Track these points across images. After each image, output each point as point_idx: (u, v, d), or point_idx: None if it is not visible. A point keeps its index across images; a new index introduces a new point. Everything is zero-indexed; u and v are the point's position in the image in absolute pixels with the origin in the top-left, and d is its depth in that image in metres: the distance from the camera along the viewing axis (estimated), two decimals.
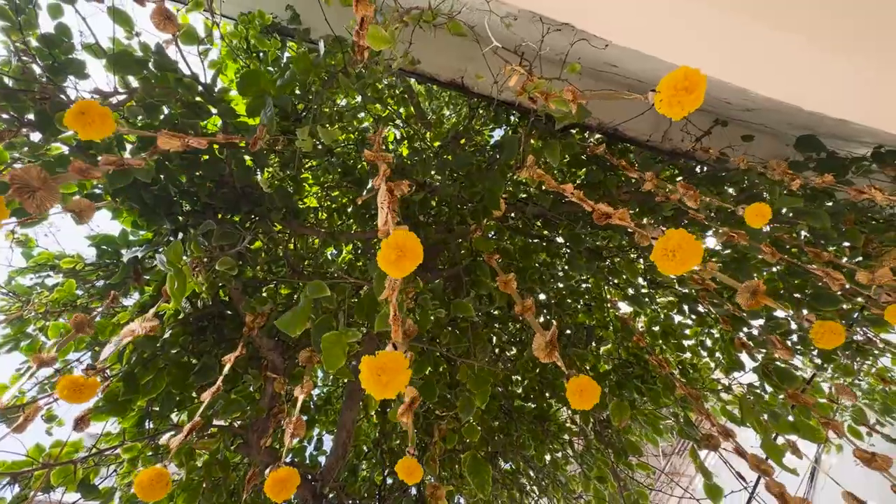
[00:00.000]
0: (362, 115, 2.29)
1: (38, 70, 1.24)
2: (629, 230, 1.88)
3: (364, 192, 1.64)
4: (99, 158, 1.29)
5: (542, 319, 2.59)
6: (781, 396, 2.08)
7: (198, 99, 1.43)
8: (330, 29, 1.33)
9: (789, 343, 1.99)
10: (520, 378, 2.53)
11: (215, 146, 1.63)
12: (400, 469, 0.90)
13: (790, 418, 1.75)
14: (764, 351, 2.05)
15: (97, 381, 0.80)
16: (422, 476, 0.90)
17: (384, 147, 2.20)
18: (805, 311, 2.05)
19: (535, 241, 2.51)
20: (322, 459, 2.37)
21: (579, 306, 2.72)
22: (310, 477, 1.96)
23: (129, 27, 1.28)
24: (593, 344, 2.56)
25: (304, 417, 2.35)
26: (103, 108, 0.82)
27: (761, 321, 2.01)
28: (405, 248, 0.60)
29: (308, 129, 1.13)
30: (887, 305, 1.11)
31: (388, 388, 0.57)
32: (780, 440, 1.67)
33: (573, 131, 2.41)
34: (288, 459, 2.21)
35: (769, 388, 2.13)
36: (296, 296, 2.04)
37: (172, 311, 1.50)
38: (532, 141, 2.21)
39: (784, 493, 1.15)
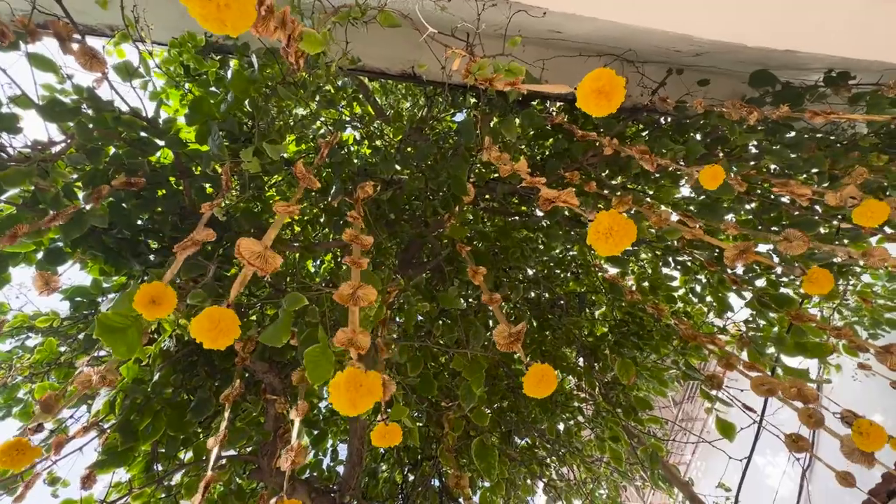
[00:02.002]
0: (320, 121, 2.24)
1: None
2: (602, 193, 1.89)
3: (330, 198, 1.62)
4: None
5: (532, 294, 2.61)
6: (776, 329, 2.13)
7: (143, 134, 1.39)
8: (260, 41, 1.29)
9: (773, 277, 2.02)
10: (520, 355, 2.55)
11: (171, 178, 1.60)
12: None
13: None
14: (751, 288, 2.08)
15: (38, 449, 0.78)
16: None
17: (345, 152, 2.17)
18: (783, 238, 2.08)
19: (514, 218, 2.51)
20: (340, 469, 2.38)
21: (568, 275, 2.74)
22: (330, 488, 1.97)
23: (54, 70, 1.23)
24: (587, 310, 2.59)
25: (315, 431, 2.35)
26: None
27: None
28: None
29: (252, 149, 1.10)
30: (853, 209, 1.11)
31: (361, 401, 0.56)
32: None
33: (533, 103, 2.39)
34: (305, 475, 2.22)
35: (762, 322, 2.17)
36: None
37: (157, 351, 1.48)
38: (495, 119, 2.19)
39: (801, 389, 1.14)
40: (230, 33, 0.47)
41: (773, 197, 2.12)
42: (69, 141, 1.25)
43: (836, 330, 1.48)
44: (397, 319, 1.96)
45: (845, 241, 2.14)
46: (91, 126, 1.17)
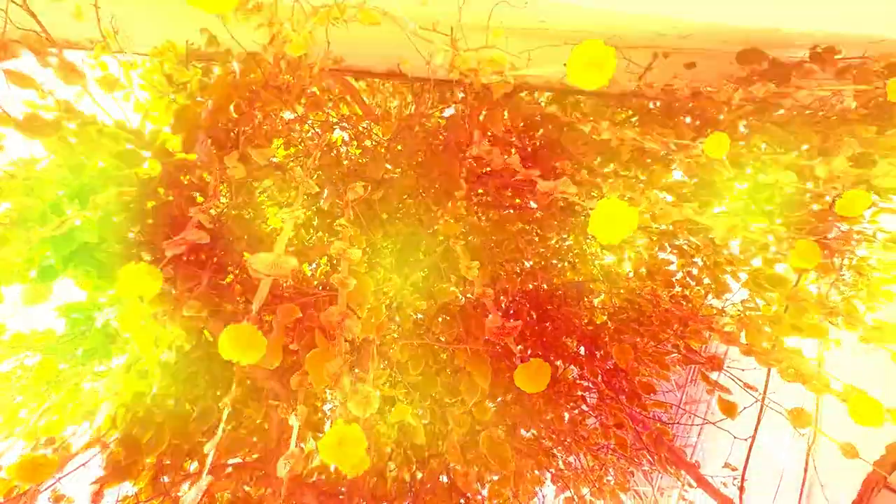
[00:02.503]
0: (307, 123, 2.23)
1: None
2: (594, 181, 1.88)
3: (322, 202, 1.61)
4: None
5: (531, 287, 2.61)
6: (774, 307, 2.13)
7: (128, 146, 1.38)
8: (240, 46, 1.28)
9: (769, 256, 2.02)
10: (521, 348, 2.55)
11: (160, 189, 1.58)
12: None
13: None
14: (747, 268, 2.09)
15: (55, 459, 0.78)
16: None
17: (334, 153, 2.16)
18: (778, 221, 2.09)
19: (509, 211, 2.51)
20: None
21: (566, 265, 2.74)
22: (338, 491, 1.97)
23: (33, 86, 1.22)
24: (585, 298, 2.59)
25: (321, 435, 2.35)
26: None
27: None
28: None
29: (236, 154, 1.09)
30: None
31: (350, 454, 0.59)
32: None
33: (522, 94, 2.38)
34: (314, 478, 2.22)
35: (761, 302, 2.18)
36: None
37: (156, 362, 1.47)
38: (483, 113, 2.18)
39: (799, 368, 1.15)
40: (205, 9, 0.47)
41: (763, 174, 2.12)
42: (53, 157, 1.23)
43: (828, 309, 1.49)
44: (396, 318, 1.96)
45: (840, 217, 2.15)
46: (74, 140, 1.16)
